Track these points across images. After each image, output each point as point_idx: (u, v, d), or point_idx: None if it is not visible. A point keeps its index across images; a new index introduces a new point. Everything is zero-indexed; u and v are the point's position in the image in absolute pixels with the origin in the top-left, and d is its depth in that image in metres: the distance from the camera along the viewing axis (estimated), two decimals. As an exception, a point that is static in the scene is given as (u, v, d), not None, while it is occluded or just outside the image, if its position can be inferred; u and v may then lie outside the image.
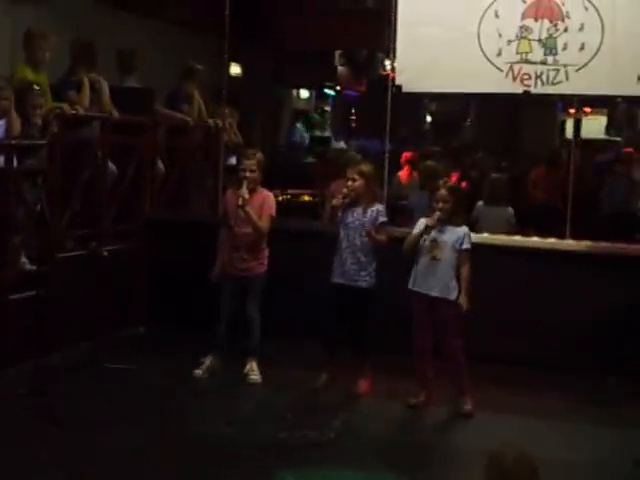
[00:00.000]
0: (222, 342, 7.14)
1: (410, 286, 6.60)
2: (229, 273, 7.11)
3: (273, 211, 7.11)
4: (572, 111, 12.95)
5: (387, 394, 6.82)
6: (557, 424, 6.43)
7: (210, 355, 7.17)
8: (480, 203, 9.15)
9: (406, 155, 11.71)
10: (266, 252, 7.15)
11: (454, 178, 10.56)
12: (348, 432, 6.04)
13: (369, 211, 6.84)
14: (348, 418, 6.29)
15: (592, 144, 14.74)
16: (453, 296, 6.48)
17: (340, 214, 6.87)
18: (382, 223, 6.86)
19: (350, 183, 6.85)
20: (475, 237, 6.90)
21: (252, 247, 7.07)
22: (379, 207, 6.91)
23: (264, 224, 7.02)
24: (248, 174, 7.00)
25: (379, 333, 6.90)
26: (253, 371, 7.06)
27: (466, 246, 6.53)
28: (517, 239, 8.11)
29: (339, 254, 6.89)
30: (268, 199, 7.13)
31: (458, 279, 6.50)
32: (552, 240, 7.95)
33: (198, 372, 7.08)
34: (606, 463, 5.69)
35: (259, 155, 7.16)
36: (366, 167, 6.99)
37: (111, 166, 8.08)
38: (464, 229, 6.61)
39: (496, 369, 7.14)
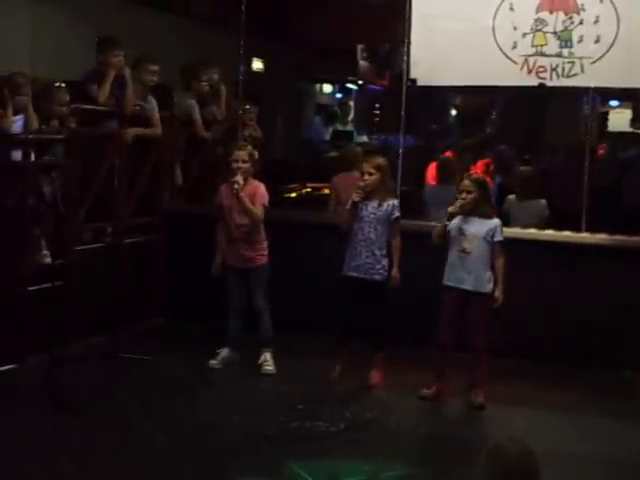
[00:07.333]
0: (236, 335, 7.21)
1: (444, 281, 6.57)
2: (232, 266, 7.16)
3: (265, 200, 7.13)
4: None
5: (400, 386, 6.85)
6: (570, 418, 6.44)
7: (226, 347, 7.24)
8: (511, 197, 8.92)
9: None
10: (265, 243, 7.19)
11: (480, 167, 10.29)
12: (358, 423, 6.09)
13: (384, 205, 6.87)
14: (359, 409, 6.33)
15: (619, 137, 14.58)
16: (487, 289, 6.46)
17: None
18: (396, 218, 6.88)
19: (366, 177, 6.87)
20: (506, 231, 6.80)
21: (249, 238, 7.12)
22: (394, 202, 6.92)
23: (258, 211, 7.06)
24: (240, 164, 7.06)
25: (394, 327, 6.94)
26: (267, 362, 7.12)
27: (498, 238, 6.50)
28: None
29: (352, 247, 6.91)
30: (260, 189, 7.16)
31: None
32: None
33: (213, 362, 7.15)
34: (619, 457, 5.67)
35: (250, 147, 7.28)
36: (381, 161, 7.00)
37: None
38: (495, 221, 6.58)
39: (511, 362, 7.12)
